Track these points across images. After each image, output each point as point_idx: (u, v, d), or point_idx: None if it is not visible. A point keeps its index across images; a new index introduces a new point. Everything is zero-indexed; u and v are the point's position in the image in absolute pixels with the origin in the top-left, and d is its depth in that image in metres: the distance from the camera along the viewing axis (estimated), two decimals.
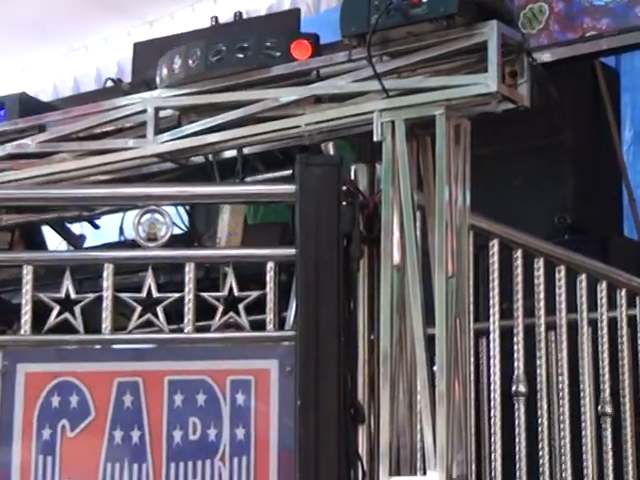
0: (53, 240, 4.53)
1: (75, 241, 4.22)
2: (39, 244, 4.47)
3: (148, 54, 4.22)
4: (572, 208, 5.02)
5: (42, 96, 5.93)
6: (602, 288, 4.16)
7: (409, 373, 3.35)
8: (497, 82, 3.31)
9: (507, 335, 3.90)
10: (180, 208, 4.03)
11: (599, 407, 4.10)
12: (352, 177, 3.51)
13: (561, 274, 3.99)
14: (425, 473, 3.27)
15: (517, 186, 5.06)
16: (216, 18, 4.61)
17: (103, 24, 6.29)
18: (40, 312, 3.43)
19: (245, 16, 6.26)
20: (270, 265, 3.45)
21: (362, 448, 3.38)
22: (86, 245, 4.27)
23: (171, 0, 6.16)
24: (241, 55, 3.55)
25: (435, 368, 3.33)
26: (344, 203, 3.40)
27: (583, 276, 4.07)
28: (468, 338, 3.45)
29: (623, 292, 4.23)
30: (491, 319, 3.79)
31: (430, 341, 3.34)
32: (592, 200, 5.10)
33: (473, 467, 3.61)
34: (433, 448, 3.24)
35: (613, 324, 4.21)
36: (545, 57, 4.69)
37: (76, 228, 4.35)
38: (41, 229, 4.52)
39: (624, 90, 5.31)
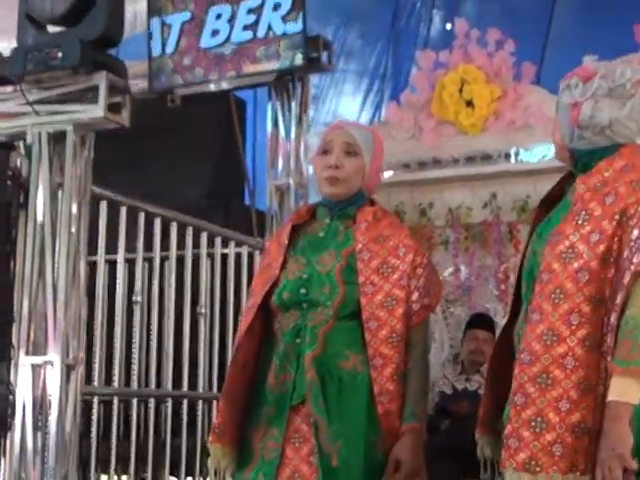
0: None
1: None
2: None
3: None
4: (209, 184, 5.07)
5: None
6: (203, 235, 4.10)
7: (44, 288, 3.26)
8: (104, 111, 3.27)
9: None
10: None
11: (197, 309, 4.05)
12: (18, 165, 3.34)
13: (173, 226, 3.94)
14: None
15: (181, 169, 5.03)
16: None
17: None
18: None
19: None
20: None
21: (15, 339, 3.26)
22: None
23: None
24: None
25: None
26: (9, 182, 3.31)
27: (190, 228, 4.01)
28: (81, 269, 3.34)
29: (218, 238, 4.19)
30: (119, 253, 3.69)
31: None
32: (223, 179, 5.14)
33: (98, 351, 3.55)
34: (54, 337, 3.21)
35: (212, 258, 4.18)
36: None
37: None
38: None
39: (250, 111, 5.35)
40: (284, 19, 4.39)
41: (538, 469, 1.80)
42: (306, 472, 2.11)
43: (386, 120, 5.31)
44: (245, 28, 4.52)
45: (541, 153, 4.90)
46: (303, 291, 2.20)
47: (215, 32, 4.59)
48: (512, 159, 4.95)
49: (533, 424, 1.82)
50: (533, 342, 1.86)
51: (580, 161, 2.01)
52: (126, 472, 3.75)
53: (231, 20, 4.56)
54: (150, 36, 4.55)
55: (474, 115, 4.93)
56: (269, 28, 4.43)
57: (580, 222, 1.88)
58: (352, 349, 2.17)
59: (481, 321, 4.71)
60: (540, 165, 4.86)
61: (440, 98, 5.01)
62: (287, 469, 2.12)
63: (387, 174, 5.20)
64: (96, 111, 3.27)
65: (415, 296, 2.21)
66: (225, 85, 4.76)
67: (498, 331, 4.61)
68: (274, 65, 4.45)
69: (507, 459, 1.84)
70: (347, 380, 2.16)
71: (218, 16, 4.62)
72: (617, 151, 1.97)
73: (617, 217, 1.85)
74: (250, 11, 4.53)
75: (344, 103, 5.85)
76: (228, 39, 4.56)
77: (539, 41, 5.22)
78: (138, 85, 4.40)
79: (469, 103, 4.94)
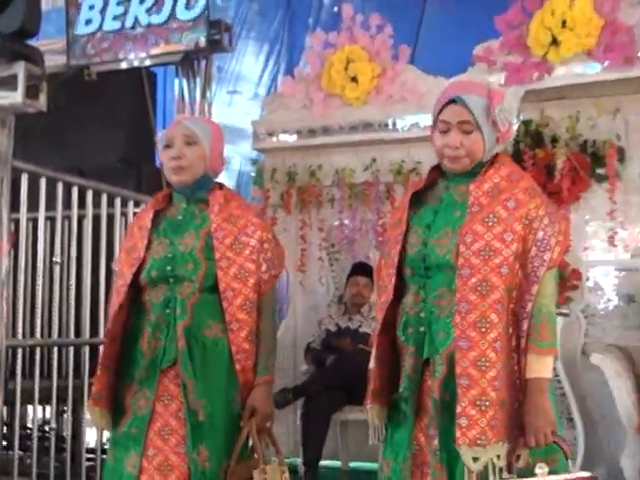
0: None
1: None
2: None
3: None
4: (123, 149, 5.14)
5: None
6: (117, 200, 4.11)
7: None
8: (22, 97, 3.29)
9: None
10: None
11: (112, 265, 3.81)
12: None
13: (89, 193, 3.92)
14: None
15: (97, 137, 5.08)
16: None
17: None
18: None
19: None
20: None
21: None
22: None
23: None
24: None
25: None
26: None
27: (104, 195, 4.02)
28: (3, 239, 3.38)
29: (131, 201, 4.22)
30: (39, 218, 3.72)
31: None
32: (136, 145, 5.22)
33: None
34: None
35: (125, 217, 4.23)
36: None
37: None
38: None
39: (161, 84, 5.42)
40: (148, 11, 4.62)
41: (486, 442, 1.91)
42: (175, 426, 2.26)
43: (282, 92, 5.49)
44: (115, 18, 4.69)
45: (414, 123, 5.16)
46: (169, 268, 2.30)
47: (88, 21, 4.75)
48: (390, 128, 5.19)
49: (478, 403, 1.92)
50: (468, 330, 1.95)
51: (471, 169, 2.09)
52: (49, 403, 3.89)
53: (102, 11, 4.70)
54: (67, 16, 4.63)
55: (358, 89, 5.15)
56: (135, 19, 4.62)
57: (490, 224, 1.99)
58: (214, 319, 2.30)
59: (362, 269, 5.03)
60: (413, 134, 5.13)
61: (329, 74, 5.21)
62: (157, 423, 2.26)
63: (283, 138, 5.42)
64: (15, 97, 3.30)
65: (264, 267, 2.35)
66: (136, 63, 4.90)
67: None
68: (180, 46, 4.62)
69: (460, 437, 1.92)
70: (210, 346, 2.29)
71: (91, 7, 4.76)
72: (495, 160, 2.09)
73: (523, 220, 2.00)
74: (119, 3, 4.69)
75: (245, 71, 5.97)
76: (100, 28, 4.73)
77: (414, 27, 5.45)
78: (57, 61, 4.49)
79: (354, 79, 5.16)
